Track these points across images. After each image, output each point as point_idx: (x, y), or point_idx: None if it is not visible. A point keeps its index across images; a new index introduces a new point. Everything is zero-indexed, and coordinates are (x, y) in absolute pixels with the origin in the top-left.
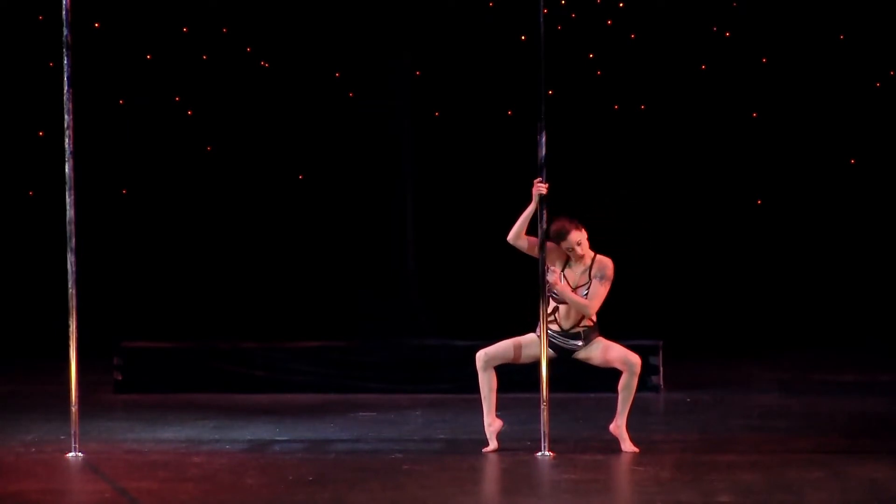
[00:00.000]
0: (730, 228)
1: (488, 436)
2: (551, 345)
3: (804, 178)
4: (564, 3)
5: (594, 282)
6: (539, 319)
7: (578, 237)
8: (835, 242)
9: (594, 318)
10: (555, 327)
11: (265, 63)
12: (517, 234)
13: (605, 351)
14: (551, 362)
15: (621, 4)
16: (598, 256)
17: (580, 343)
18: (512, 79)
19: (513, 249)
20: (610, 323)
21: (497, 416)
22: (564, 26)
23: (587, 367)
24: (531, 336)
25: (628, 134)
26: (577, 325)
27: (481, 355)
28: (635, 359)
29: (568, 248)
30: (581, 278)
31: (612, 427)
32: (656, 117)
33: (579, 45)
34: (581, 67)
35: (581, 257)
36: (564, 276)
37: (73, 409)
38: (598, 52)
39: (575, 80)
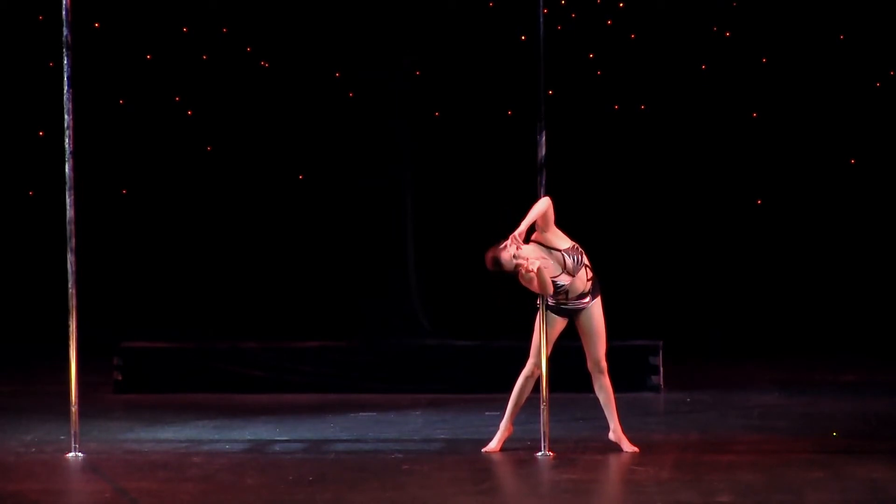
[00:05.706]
0: (730, 228)
1: (497, 436)
2: (560, 311)
3: (804, 178)
4: (564, 3)
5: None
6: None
7: (507, 255)
8: (835, 242)
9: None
10: (562, 298)
11: (265, 63)
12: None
13: (597, 325)
14: (551, 359)
15: (621, 4)
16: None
17: (587, 300)
18: (512, 79)
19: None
20: (610, 323)
21: (512, 423)
22: (564, 26)
23: (587, 367)
24: (540, 317)
25: (628, 134)
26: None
27: (530, 362)
28: (602, 363)
29: (515, 269)
30: (555, 270)
31: (609, 435)
32: (656, 117)
33: (579, 45)
34: (581, 67)
35: (533, 261)
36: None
37: (73, 409)
38: (598, 52)
39: (575, 80)
